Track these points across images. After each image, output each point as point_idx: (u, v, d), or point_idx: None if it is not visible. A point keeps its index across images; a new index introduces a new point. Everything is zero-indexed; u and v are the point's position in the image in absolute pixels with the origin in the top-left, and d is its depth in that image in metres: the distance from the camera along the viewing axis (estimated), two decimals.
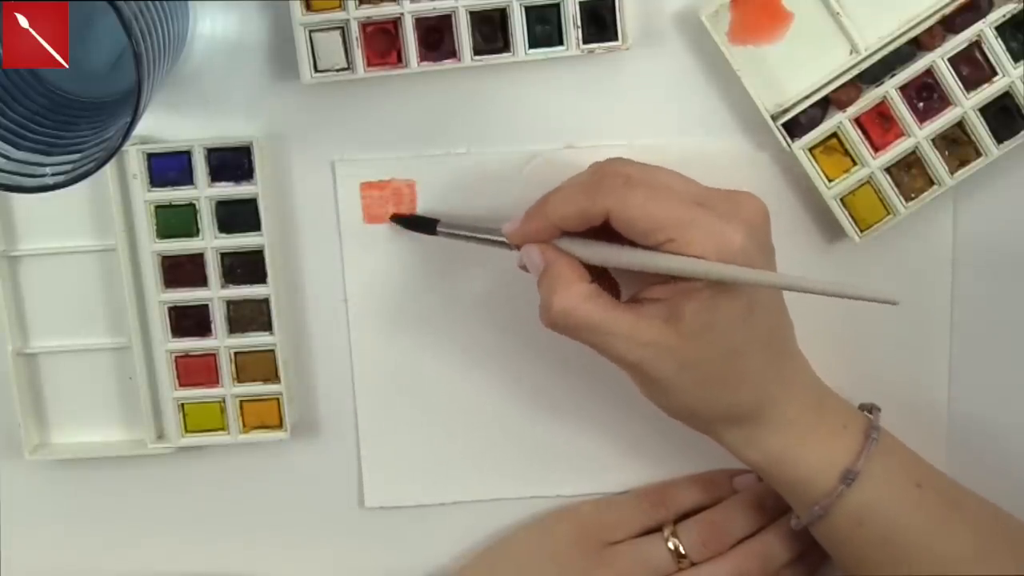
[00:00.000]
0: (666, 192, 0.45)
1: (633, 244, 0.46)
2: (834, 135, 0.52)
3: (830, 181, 0.52)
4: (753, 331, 0.46)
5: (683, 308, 0.45)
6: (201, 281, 0.54)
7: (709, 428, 0.49)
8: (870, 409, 0.52)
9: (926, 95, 0.51)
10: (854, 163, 0.52)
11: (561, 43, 0.51)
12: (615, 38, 0.51)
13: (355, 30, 0.50)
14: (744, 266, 0.44)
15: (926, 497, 0.49)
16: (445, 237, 0.52)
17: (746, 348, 0.46)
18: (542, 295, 0.47)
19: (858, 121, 0.52)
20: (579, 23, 0.50)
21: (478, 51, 0.51)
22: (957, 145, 0.52)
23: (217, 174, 0.53)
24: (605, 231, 0.46)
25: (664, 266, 0.45)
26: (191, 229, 0.54)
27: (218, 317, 0.55)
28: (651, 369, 0.46)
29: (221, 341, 0.55)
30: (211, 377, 0.55)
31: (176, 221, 0.54)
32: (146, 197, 0.53)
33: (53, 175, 0.46)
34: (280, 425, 0.56)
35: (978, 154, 0.52)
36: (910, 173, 0.52)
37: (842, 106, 0.52)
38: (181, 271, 0.54)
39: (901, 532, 0.48)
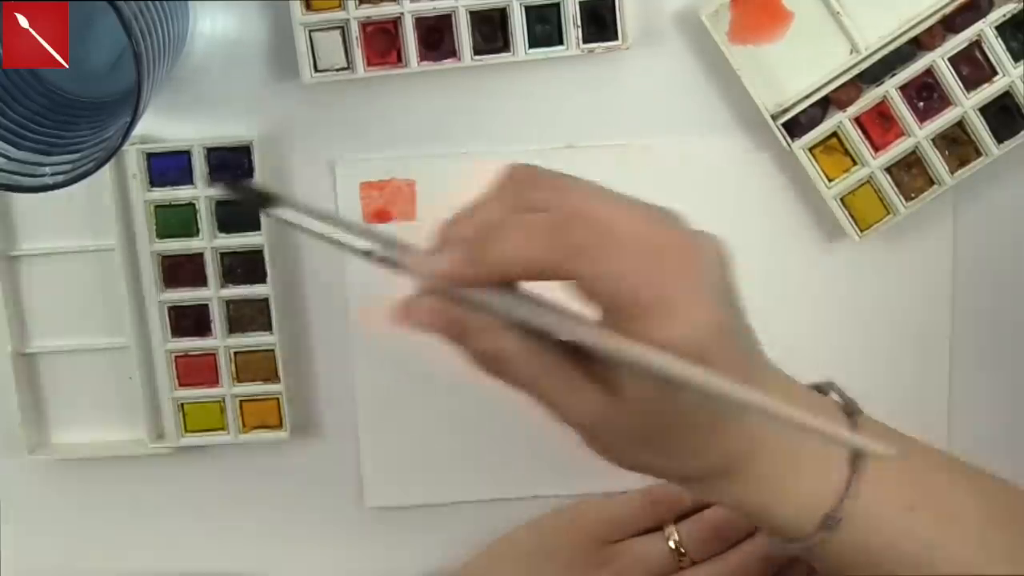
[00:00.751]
0: (633, 244, 0.37)
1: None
2: (834, 135, 0.52)
3: (830, 181, 0.52)
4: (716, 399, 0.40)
5: (623, 380, 0.38)
6: (201, 281, 0.54)
7: (672, 481, 0.43)
8: (851, 412, 0.45)
9: (926, 95, 0.51)
10: (854, 163, 0.52)
11: (561, 43, 0.51)
12: (615, 38, 0.51)
13: (355, 30, 0.50)
14: (710, 343, 0.37)
15: (919, 520, 0.44)
16: (283, 222, 0.41)
17: (703, 415, 0.39)
18: (470, 353, 0.40)
19: (858, 121, 0.52)
20: (579, 23, 0.50)
21: (478, 51, 0.51)
22: (957, 145, 0.52)
23: (217, 174, 0.53)
24: None
25: (618, 354, 0.36)
26: (191, 229, 0.54)
27: (218, 317, 0.55)
28: (591, 439, 0.40)
29: (221, 341, 0.55)
30: (211, 377, 0.55)
31: (175, 221, 0.54)
32: (145, 197, 0.53)
33: (53, 175, 0.46)
34: (280, 425, 0.56)
35: (978, 154, 0.52)
36: (910, 173, 0.52)
37: (842, 106, 0.52)
38: (180, 271, 0.54)
39: (892, 561, 0.44)
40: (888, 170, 0.52)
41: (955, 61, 0.51)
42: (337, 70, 0.51)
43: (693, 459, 0.41)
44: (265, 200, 0.40)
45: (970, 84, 0.51)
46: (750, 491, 0.42)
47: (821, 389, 0.45)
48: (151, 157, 0.53)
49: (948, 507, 0.46)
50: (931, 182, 0.52)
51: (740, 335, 0.40)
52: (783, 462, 0.42)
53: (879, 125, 0.52)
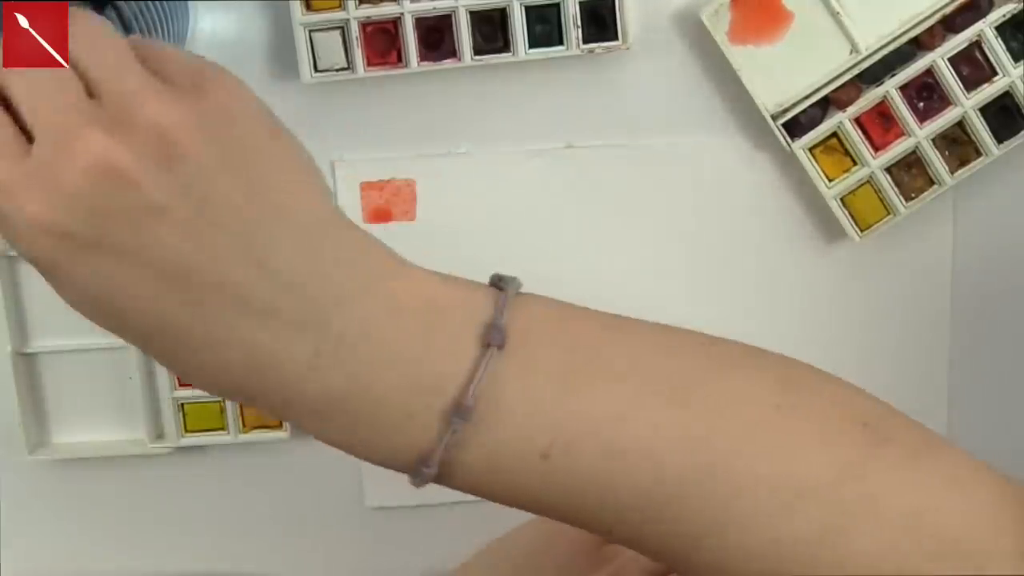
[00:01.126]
0: None
1: None
2: (834, 135, 0.52)
3: (830, 181, 0.52)
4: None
5: None
6: None
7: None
8: (493, 343, 0.33)
9: (926, 95, 0.51)
10: (854, 163, 0.52)
11: (561, 43, 0.51)
12: (615, 38, 0.51)
13: (355, 30, 0.50)
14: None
15: (554, 468, 0.34)
16: None
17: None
18: None
19: (858, 121, 0.52)
20: (579, 23, 0.50)
21: (478, 51, 0.51)
22: (957, 145, 0.52)
23: None
24: None
25: None
26: None
27: None
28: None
29: None
30: None
31: None
32: None
33: None
34: (280, 425, 0.56)
35: (978, 154, 0.52)
36: (910, 173, 0.52)
37: (842, 106, 0.52)
38: None
39: (539, 503, 0.36)
40: (888, 170, 0.52)
41: (955, 61, 0.51)
42: (337, 70, 0.51)
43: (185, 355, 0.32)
44: None
45: (970, 84, 0.51)
46: (312, 427, 0.35)
47: (499, 286, 0.36)
48: None
49: (609, 443, 0.34)
50: (931, 182, 0.52)
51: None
52: (335, 402, 0.34)
53: (879, 125, 0.52)
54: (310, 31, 0.51)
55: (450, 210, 0.54)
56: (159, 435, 0.56)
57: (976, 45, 0.51)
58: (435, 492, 0.58)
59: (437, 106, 0.53)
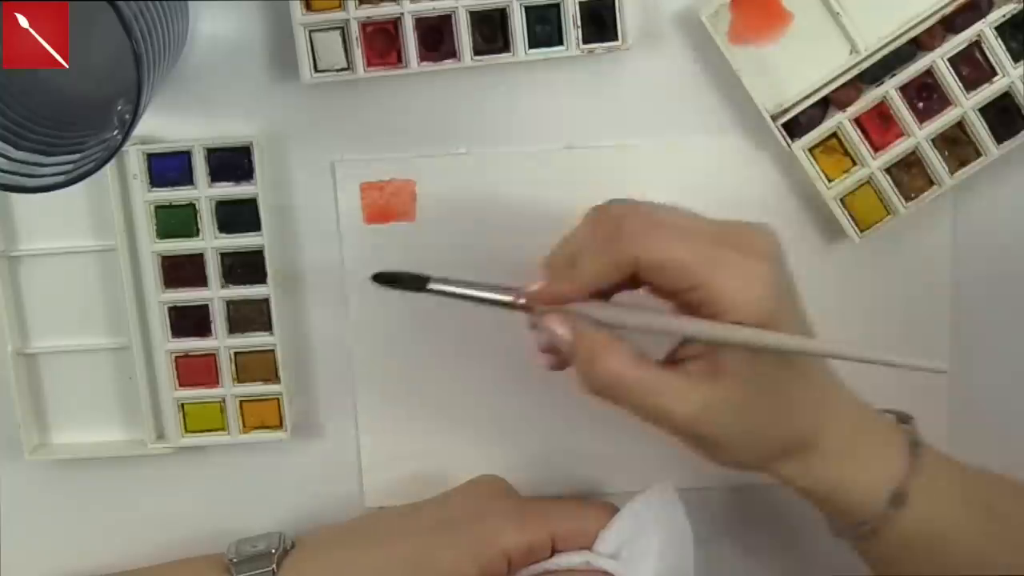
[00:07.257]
0: (685, 232, 0.43)
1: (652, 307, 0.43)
2: (834, 135, 0.52)
3: (830, 181, 0.52)
4: (794, 365, 0.45)
5: (724, 361, 0.43)
6: (201, 281, 0.54)
7: (762, 467, 0.47)
8: (904, 419, 0.49)
9: (926, 95, 0.52)
10: (854, 163, 0.52)
11: (561, 43, 0.51)
12: (615, 38, 0.51)
13: (355, 30, 0.50)
14: (775, 308, 0.42)
15: (973, 515, 0.47)
16: (436, 295, 0.46)
17: (791, 383, 0.45)
18: (580, 364, 0.44)
19: (858, 121, 0.52)
20: (579, 23, 0.50)
21: (478, 51, 0.51)
22: (957, 145, 0.52)
23: (217, 174, 0.53)
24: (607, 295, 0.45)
25: (693, 332, 0.43)
26: (191, 229, 0.54)
27: (218, 317, 0.55)
28: (704, 427, 0.44)
29: (221, 341, 0.55)
30: (211, 377, 0.55)
31: (176, 221, 0.54)
32: (146, 197, 0.53)
33: (53, 175, 0.46)
34: (280, 425, 0.56)
35: (978, 154, 0.52)
36: (910, 173, 0.52)
37: (842, 106, 0.52)
38: (181, 271, 0.54)
39: (949, 552, 0.47)
40: (888, 170, 0.52)
41: (955, 61, 0.51)
42: (337, 70, 0.51)
43: (786, 427, 0.45)
44: (419, 280, 0.46)
45: (970, 84, 0.51)
46: (830, 462, 0.46)
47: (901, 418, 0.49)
48: (151, 157, 0.53)
49: (1000, 507, 0.48)
50: (931, 182, 0.52)
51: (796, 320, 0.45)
52: (855, 433, 0.47)
53: (879, 125, 0.52)
54: (310, 31, 0.51)
55: (450, 210, 0.54)
56: (159, 435, 0.56)
57: (976, 45, 0.51)
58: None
59: (437, 106, 0.53)
